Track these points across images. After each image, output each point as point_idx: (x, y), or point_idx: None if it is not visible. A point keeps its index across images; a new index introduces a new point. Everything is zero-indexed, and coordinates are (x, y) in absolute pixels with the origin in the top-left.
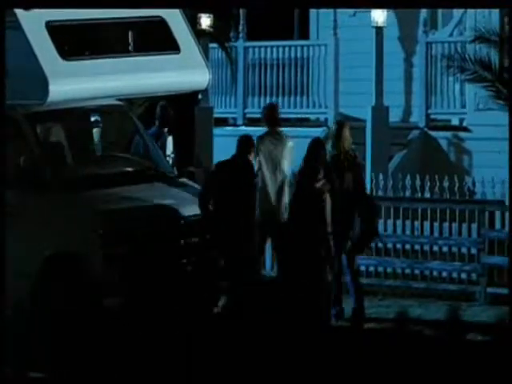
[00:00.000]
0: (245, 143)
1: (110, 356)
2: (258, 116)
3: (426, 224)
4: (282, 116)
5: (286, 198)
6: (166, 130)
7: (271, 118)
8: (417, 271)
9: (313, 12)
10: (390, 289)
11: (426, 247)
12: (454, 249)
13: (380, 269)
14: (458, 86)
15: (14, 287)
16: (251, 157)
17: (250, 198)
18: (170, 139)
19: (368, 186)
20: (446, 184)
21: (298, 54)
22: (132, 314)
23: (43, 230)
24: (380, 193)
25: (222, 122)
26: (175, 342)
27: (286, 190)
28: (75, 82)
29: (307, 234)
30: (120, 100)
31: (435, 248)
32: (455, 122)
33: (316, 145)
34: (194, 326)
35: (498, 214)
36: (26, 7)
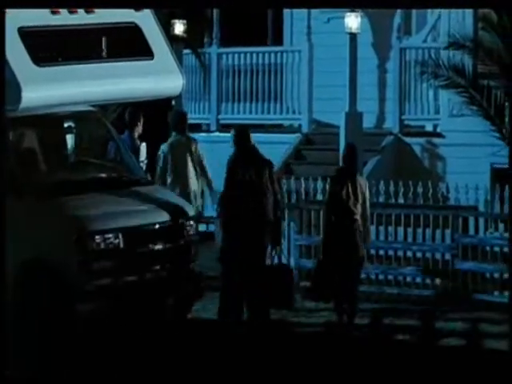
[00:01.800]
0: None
1: (81, 361)
2: (232, 122)
3: (400, 229)
4: (256, 122)
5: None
6: (136, 135)
7: (180, 125)
8: (390, 277)
9: (287, 18)
10: (364, 294)
11: (400, 253)
12: (428, 254)
13: None
14: (431, 92)
15: None
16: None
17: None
18: (143, 145)
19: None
20: (419, 190)
21: (272, 60)
22: (106, 321)
23: (17, 236)
24: None
25: (196, 127)
26: (150, 347)
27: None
28: (48, 88)
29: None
30: (93, 106)
31: (409, 254)
32: (429, 127)
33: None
34: (169, 331)
35: (471, 219)
36: (26, 7)
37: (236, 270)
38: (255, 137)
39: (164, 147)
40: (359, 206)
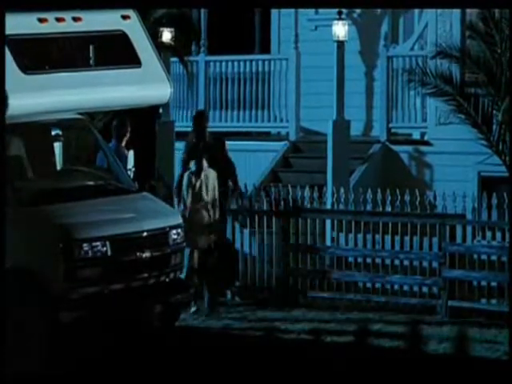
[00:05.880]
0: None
1: (68, 370)
2: (220, 130)
3: (387, 238)
4: (244, 130)
5: None
6: (123, 144)
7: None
8: (378, 285)
9: (274, 26)
10: (351, 302)
11: (387, 261)
12: (415, 262)
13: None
14: (419, 100)
15: None
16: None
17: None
18: (130, 153)
19: (329, 200)
20: (407, 198)
21: (260, 68)
22: (93, 329)
23: (4, 244)
24: (341, 206)
25: (184, 136)
26: (137, 355)
27: None
28: (35, 96)
29: None
30: (81, 114)
31: (396, 262)
32: (416, 135)
33: None
34: (155, 340)
35: (458, 227)
36: (26, 8)
37: None
38: (242, 145)
39: None
40: (210, 195)
